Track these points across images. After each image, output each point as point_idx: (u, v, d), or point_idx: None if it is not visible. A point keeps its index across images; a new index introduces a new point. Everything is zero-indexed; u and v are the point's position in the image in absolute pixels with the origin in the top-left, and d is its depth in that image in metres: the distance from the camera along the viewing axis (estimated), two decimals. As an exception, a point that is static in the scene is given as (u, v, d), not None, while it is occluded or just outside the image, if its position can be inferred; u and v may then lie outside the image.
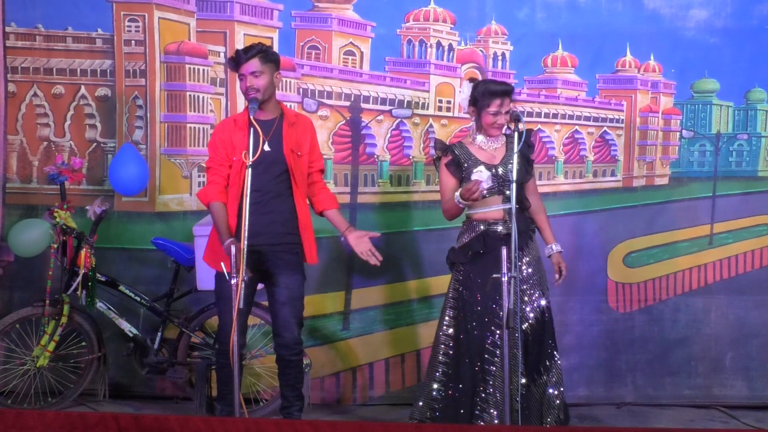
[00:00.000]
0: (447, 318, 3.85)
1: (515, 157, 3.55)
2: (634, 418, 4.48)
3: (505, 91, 3.79)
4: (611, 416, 4.49)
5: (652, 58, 4.90)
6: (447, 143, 4.02)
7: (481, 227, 3.81)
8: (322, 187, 3.87)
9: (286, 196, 3.69)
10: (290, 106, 4.74)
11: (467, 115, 4.91)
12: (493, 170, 3.76)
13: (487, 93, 3.78)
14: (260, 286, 3.78)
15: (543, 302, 3.80)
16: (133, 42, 4.68)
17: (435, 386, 3.76)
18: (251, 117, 3.52)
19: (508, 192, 3.70)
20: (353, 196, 4.80)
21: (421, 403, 3.80)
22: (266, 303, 3.86)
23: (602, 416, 4.47)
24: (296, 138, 3.73)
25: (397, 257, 4.76)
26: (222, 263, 3.48)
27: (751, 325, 4.81)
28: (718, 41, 4.84)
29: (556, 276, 3.85)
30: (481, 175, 3.68)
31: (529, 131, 3.91)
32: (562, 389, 3.80)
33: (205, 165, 3.82)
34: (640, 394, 4.76)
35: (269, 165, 3.63)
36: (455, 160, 3.82)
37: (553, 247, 3.86)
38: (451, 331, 3.80)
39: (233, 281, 3.35)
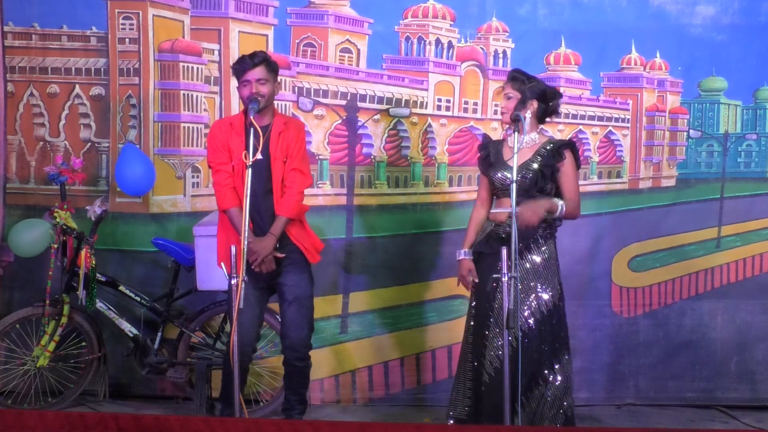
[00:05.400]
0: (468, 316, 4.81)
1: (515, 157, 4.43)
2: (633, 418, 5.59)
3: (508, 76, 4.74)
4: (611, 416, 5.60)
5: (658, 55, 5.96)
6: (488, 138, 4.97)
7: (488, 228, 4.79)
8: (288, 190, 4.68)
9: (271, 201, 4.66)
10: (285, 104, 5.88)
11: (467, 115, 6.16)
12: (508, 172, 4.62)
13: None
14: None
15: (543, 307, 4.63)
16: (127, 40, 5.80)
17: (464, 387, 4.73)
18: (252, 118, 4.43)
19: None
20: (349, 198, 5.88)
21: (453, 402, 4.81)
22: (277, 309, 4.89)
23: (602, 416, 5.55)
24: (285, 145, 4.65)
25: (395, 260, 5.87)
26: (222, 263, 4.49)
27: (757, 330, 5.91)
28: (725, 38, 5.90)
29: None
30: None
31: (566, 144, 4.72)
32: (566, 401, 4.60)
33: (209, 165, 4.74)
34: (642, 398, 5.86)
35: (260, 171, 4.50)
36: (483, 156, 4.83)
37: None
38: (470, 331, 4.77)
39: (233, 281, 4.26)
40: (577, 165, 4.77)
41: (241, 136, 4.67)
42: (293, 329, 4.70)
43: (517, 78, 4.72)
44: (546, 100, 4.72)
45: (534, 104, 4.69)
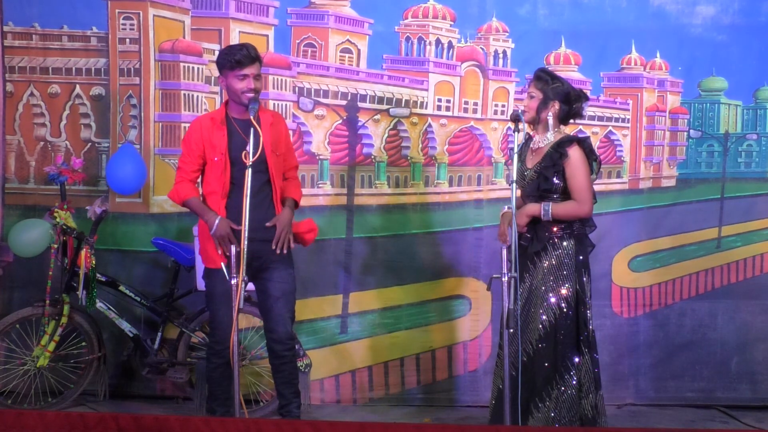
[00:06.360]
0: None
1: (515, 157, 4.44)
2: (633, 418, 5.66)
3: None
4: (611, 416, 5.54)
5: (658, 55, 6.02)
6: (524, 139, 4.72)
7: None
8: (293, 181, 4.89)
9: (268, 195, 4.73)
10: (285, 104, 6.01)
11: (467, 115, 6.20)
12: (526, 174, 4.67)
13: None
14: (251, 287, 4.78)
15: (557, 309, 4.61)
16: (127, 40, 5.86)
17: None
18: (252, 118, 4.49)
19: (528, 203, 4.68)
20: (350, 198, 5.95)
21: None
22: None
23: (602, 417, 5.71)
24: (274, 138, 4.77)
25: (395, 260, 5.93)
26: (222, 264, 4.55)
27: (758, 330, 5.98)
28: (725, 38, 5.97)
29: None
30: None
31: (568, 141, 4.61)
32: (585, 401, 4.58)
33: (177, 163, 4.80)
34: (642, 398, 5.93)
35: (254, 167, 4.55)
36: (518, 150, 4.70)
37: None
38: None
39: (233, 281, 4.33)
40: (590, 160, 4.70)
41: (222, 131, 4.72)
42: (281, 324, 4.77)
43: (542, 78, 4.72)
44: (569, 102, 4.70)
45: (556, 105, 4.68)
